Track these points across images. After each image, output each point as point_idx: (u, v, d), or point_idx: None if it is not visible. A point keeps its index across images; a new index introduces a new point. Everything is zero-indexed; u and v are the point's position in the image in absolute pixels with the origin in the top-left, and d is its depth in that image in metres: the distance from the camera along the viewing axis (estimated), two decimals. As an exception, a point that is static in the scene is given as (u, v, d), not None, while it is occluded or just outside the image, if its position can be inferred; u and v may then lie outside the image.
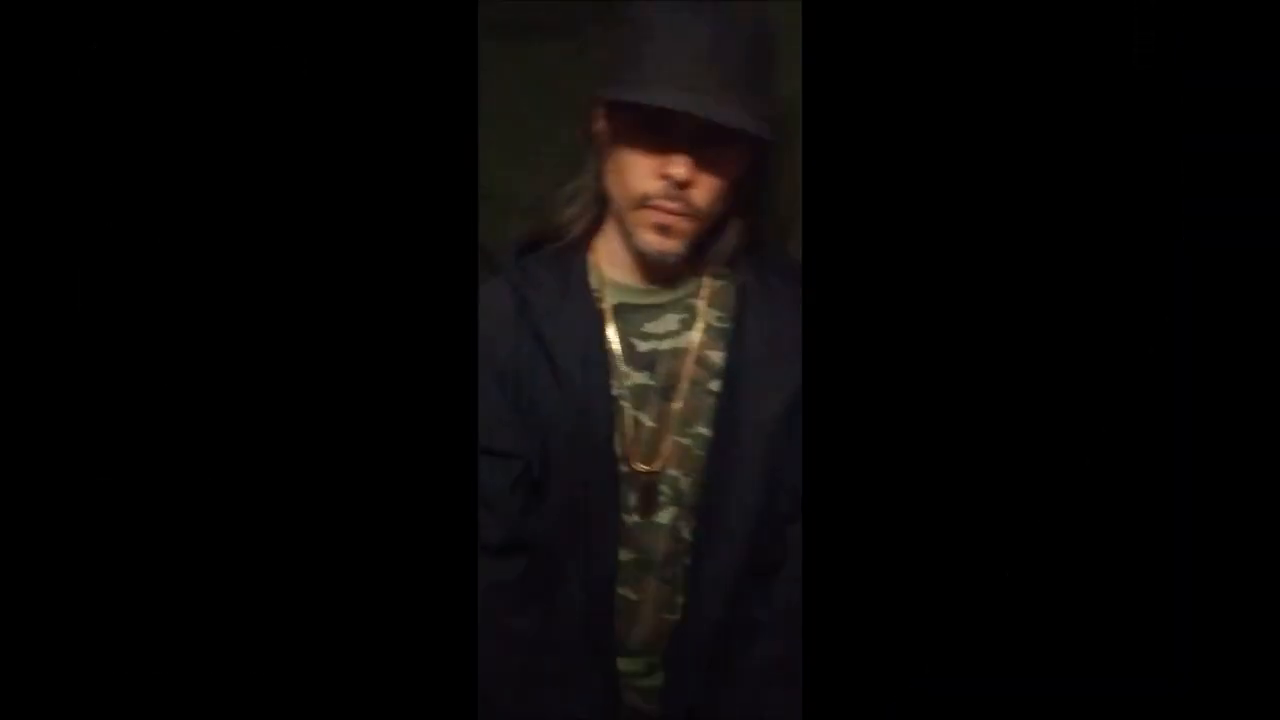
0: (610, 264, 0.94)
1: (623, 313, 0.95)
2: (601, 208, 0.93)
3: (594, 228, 0.94)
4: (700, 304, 0.95)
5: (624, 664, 0.94)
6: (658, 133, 0.86)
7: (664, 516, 0.93)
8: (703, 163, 0.86)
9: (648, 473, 0.93)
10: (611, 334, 0.94)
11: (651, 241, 0.89)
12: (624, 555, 0.92)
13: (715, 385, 0.93)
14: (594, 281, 0.94)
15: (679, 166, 0.85)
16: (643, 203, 0.88)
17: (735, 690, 0.92)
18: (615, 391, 0.92)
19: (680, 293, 0.95)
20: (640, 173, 0.87)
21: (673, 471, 0.93)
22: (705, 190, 0.88)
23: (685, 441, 0.93)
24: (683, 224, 0.88)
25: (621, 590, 0.93)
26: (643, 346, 0.94)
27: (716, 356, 0.94)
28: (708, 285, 0.95)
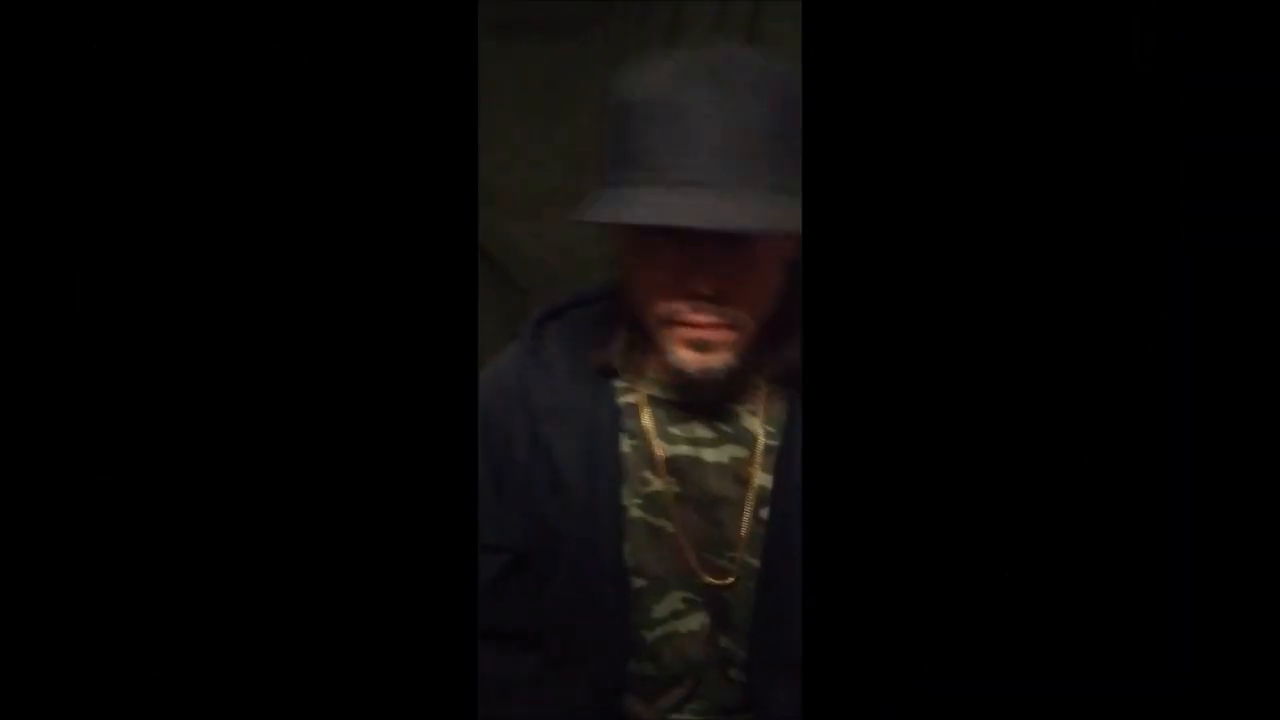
0: (649, 352, 0.80)
1: (653, 408, 0.82)
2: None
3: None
4: (751, 415, 0.82)
5: None
6: (672, 240, 0.72)
7: (689, 624, 0.82)
8: (733, 269, 0.73)
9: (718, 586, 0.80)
10: (639, 427, 0.81)
11: (688, 360, 0.76)
12: (639, 668, 0.83)
13: (765, 513, 0.80)
14: (623, 366, 0.81)
15: (701, 281, 0.73)
16: (670, 320, 0.75)
17: None
18: (627, 501, 0.81)
19: (730, 400, 0.82)
20: (660, 289, 0.75)
21: (709, 579, 0.80)
22: (743, 300, 0.75)
23: (721, 562, 0.81)
24: (722, 336, 0.75)
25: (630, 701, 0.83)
26: (670, 451, 0.81)
27: (762, 478, 0.81)
28: (763, 393, 0.82)
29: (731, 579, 0.81)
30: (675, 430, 0.82)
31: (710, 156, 0.69)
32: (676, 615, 0.82)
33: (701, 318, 0.74)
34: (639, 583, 0.82)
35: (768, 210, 0.69)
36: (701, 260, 0.72)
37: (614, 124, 0.74)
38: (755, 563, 0.80)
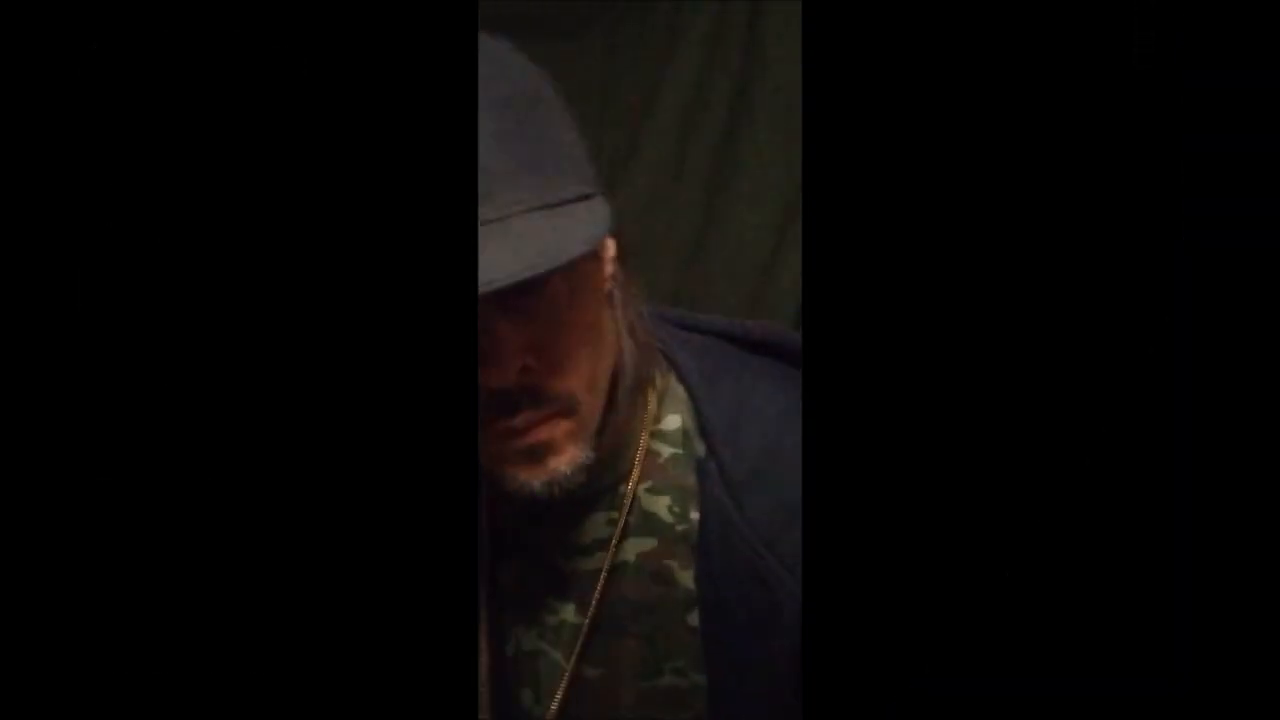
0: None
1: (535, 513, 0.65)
2: None
3: None
4: (635, 490, 0.65)
5: None
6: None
7: None
8: (540, 339, 0.58)
9: None
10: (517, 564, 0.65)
11: (529, 478, 0.60)
12: None
13: (693, 619, 0.64)
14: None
15: (496, 373, 0.57)
16: (498, 440, 0.59)
17: None
18: (530, 646, 0.65)
19: (609, 477, 0.65)
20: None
21: None
22: (555, 369, 0.59)
23: (660, 687, 0.64)
24: (561, 429, 0.59)
25: None
26: (567, 567, 0.65)
27: (682, 572, 0.64)
28: (639, 461, 0.64)
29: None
30: (562, 542, 0.66)
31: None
32: None
33: (524, 414, 0.59)
34: None
35: (539, 241, 0.54)
36: (494, 338, 0.57)
37: None
38: (693, 678, 0.65)
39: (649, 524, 0.64)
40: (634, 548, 0.65)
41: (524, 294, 0.55)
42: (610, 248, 0.64)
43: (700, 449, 0.65)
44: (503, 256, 0.53)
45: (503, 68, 0.61)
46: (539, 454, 0.60)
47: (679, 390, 0.67)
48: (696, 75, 1.20)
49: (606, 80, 1.19)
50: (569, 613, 0.65)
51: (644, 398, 0.65)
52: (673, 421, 0.66)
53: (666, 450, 0.65)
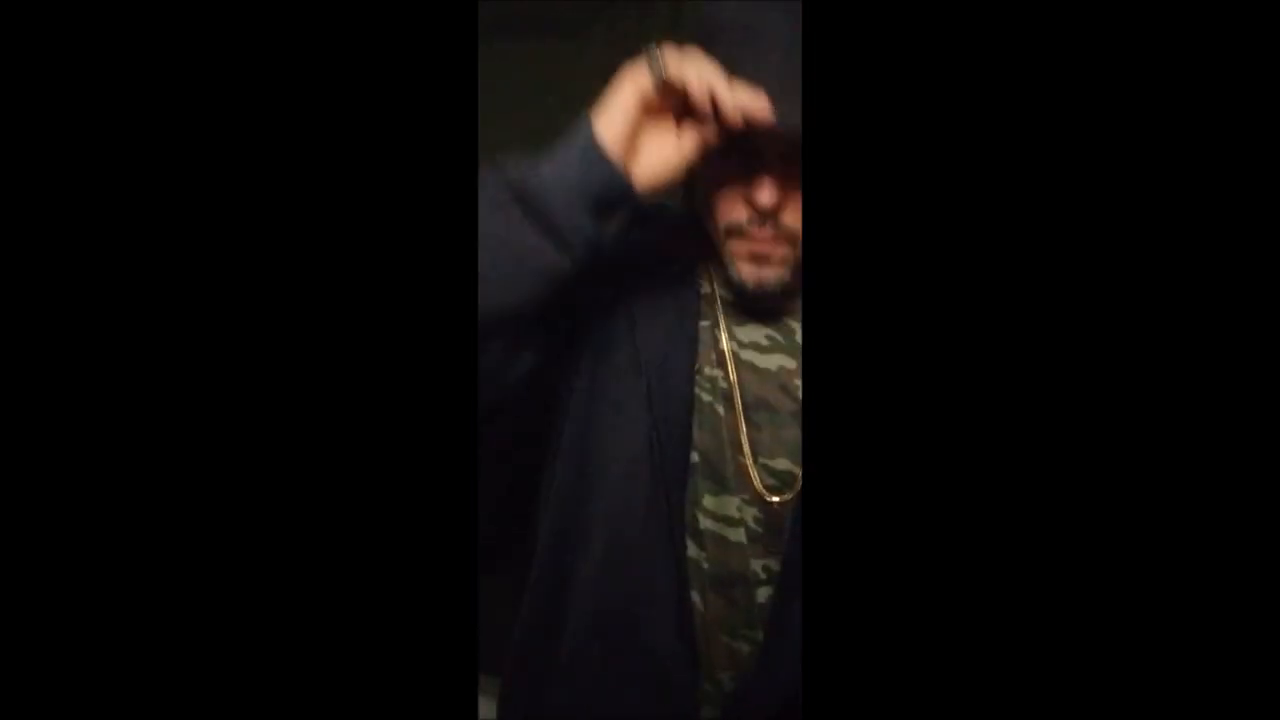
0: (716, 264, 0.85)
1: (723, 305, 0.88)
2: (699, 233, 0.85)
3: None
4: (797, 325, 0.88)
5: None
6: (740, 154, 0.78)
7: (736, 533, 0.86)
8: (790, 182, 0.78)
9: (774, 504, 0.85)
10: (714, 317, 0.87)
11: (748, 273, 0.82)
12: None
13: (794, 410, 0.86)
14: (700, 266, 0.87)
15: (764, 193, 0.78)
16: (732, 233, 0.82)
17: None
18: (699, 386, 0.86)
19: (784, 311, 0.88)
20: (724, 202, 0.81)
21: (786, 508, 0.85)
22: (795, 215, 0.80)
23: (760, 484, 0.87)
24: (780, 251, 0.81)
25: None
26: (729, 347, 0.87)
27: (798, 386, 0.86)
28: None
29: (778, 497, 0.86)
30: (736, 330, 0.87)
31: (788, 63, 0.73)
32: (728, 520, 0.87)
33: (760, 231, 0.79)
34: (695, 458, 0.86)
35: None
36: (767, 170, 0.77)
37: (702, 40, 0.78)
38: (797, 471, 0.85)
39: (793, 348, 0.87)
40: (776, 361, 0.87)
41: (795, 156, 0.76)
42: None
43: None
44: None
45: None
46: (762, 260, 0.81)
47: None
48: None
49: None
50: (719, 375, 0.86)
51: None
52: None
53: None
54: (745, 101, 0.72)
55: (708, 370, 0.87)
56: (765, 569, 0.86)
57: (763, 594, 0.86)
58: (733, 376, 0.86)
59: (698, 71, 0.72)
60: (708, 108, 0.73)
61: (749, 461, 0.85)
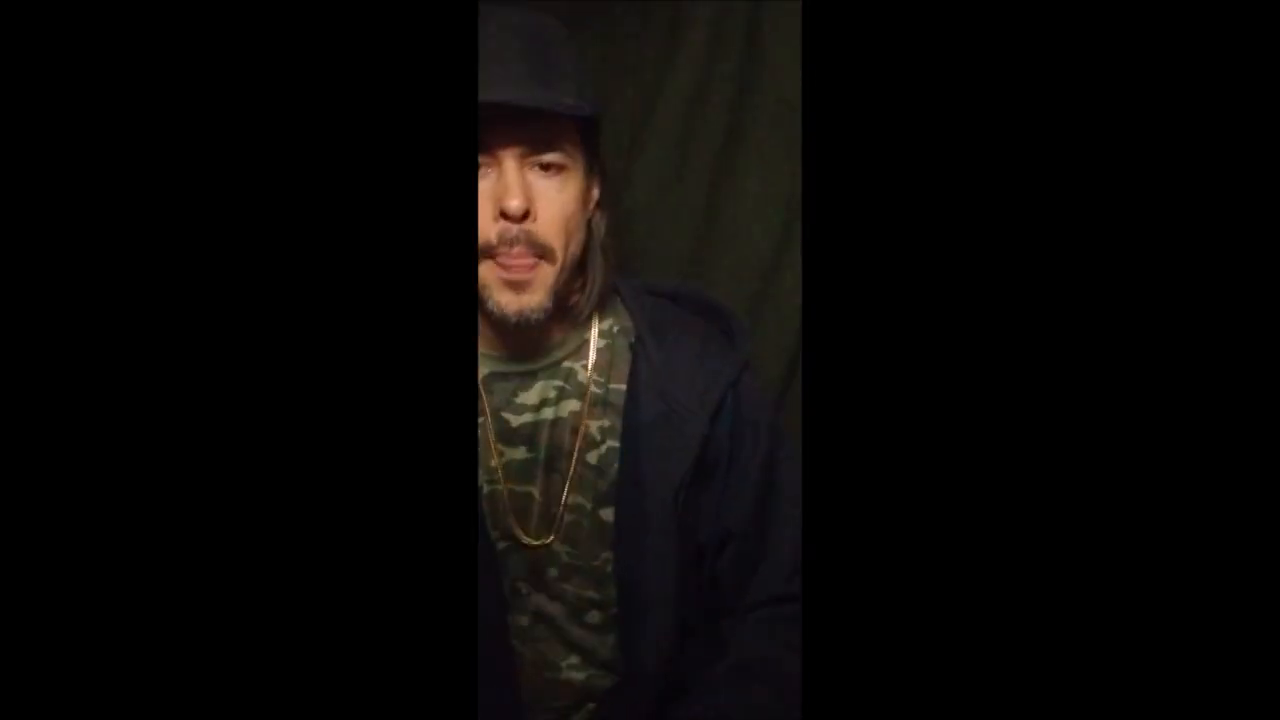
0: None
1: (491, 383, 0.86)
2: None
3: None
4: (578, 368, 0.87)
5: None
6: (485, 154, 0.77)
7: (561, 588, 0.88)
8: (538, 187, 0.78)
9: (535, 547, 0.87)
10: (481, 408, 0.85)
11: (505, 302, 0.79)
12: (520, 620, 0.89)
13: (593, 458, 0.87)
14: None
15: (512, 196, 0.76)
16: (486, 255, 0.78)
17: None
18: (484, 472, 0.85)
19: (557, 355, 0.87)
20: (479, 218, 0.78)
21: (559, 547, 0.87)
22: (549, 221, 0.78)
23: (570, 517, 0.87)
24: (537, 273, 0.79)
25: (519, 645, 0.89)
26: (516, 421, 0.86)
27: (596, 427, 0.87)
28: (589, 346, 0.87)
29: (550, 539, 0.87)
30: (515, 399, 0.86)
31: (529, 55, 0.76)
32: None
33: (515, 249, 0.77)
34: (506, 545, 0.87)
35: (583, 102, 0.76)
36: (509, 179, 0.76)
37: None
38: (594, 506, 0.86)
39: (581, 390, 0.87)
40: (572, 408, 0.87)
41: (556, 143, 0.77)
42: (596, 183, 0.86)
43: (631, 339, 0.88)
44: (557, 96, 0.75)
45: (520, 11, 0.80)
46: (519, 286, 0.79)
47: (625, 316, 0.90)
48: (698, 74, 1.20)
49: (606, 79, 1.19)
50: (520, 453, 0.86)
51: (595, 303, 0.85)
52: (613, 328, 0.89)
53: (604, 341, 0.87)
54: None
55: (497, 449, 0.87)
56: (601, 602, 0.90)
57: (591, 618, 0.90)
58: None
59: None
60: None
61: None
